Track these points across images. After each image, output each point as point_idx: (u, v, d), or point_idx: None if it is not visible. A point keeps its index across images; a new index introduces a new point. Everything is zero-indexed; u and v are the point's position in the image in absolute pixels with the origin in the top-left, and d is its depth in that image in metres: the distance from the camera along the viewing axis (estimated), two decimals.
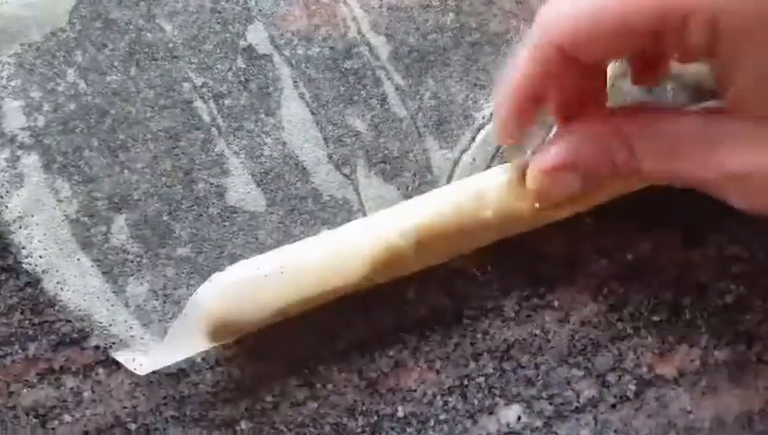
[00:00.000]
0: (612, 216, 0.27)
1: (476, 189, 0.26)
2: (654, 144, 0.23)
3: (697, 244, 0.28)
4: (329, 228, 0.28)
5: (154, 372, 0.26)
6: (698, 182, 0.22)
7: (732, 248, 0.28)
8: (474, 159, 0.28)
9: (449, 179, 0.28)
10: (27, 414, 0.27)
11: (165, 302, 0.27)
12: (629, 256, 0.27)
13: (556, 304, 0.27)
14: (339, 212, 0.28)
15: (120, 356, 0.27)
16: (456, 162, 0.28)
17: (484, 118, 0.29)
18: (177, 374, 0.27)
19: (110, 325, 0.27)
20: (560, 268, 0.27)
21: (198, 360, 0.27)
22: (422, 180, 0.28)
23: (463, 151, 0.28)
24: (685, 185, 0.23)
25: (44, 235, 0.28)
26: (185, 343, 0.26)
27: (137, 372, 0.26)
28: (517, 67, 0.23)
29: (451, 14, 0.29)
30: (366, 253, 0.25)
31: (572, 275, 0.27)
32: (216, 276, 0.26)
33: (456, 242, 0.26)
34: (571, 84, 0.24)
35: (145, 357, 0.26)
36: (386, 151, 0.29)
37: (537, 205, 0.25)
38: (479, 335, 0.27)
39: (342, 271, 0.25)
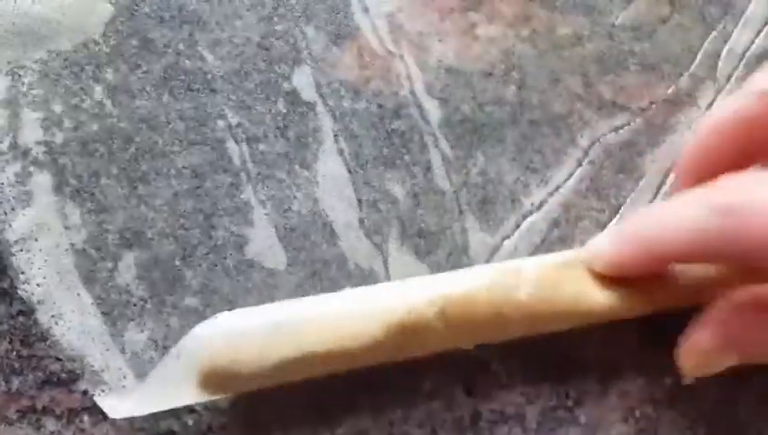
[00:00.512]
0: (659, 328, 0.25)
1: (515, 267, 0.24)
2: None
3: (743, 379, 0.26)
4: None
5: (141, 429, 0.25)
6: None
7: None
8: (515, 248, 0.26)
9: None
10: None
11: (164, 353, 0.25)
12: (668, 380, 0.25)
13: (583, 419, 0.25)
14: (363, 283, 0.26)
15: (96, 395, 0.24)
16: (495, 248, 0.26)
17: (533, 205, 0.27)
18: None
19: (103, 371, 0.25)
20: (592, 380, 0.25)
21: (190, 422, 0.25)
22: (456, 262, 0.26)
23: (504, 238, 0.26)
24: None
25: (46, 262, 0.26)
26: (170, 390, 0.24)
27: (109, 415, 0.24)
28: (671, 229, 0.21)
29: (513, 86, 0.27)
30: (384, 314, 0.23)
31: (604, 390, 0.25)
32: (213, 319, 0.24)
33: (486, 321, 0.24)
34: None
35: (122, 400, 0.24)
36: (422, 224, 0.26)
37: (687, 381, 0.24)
38: None
39: (354, 330, 0.23)
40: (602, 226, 0.26)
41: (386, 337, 0.23)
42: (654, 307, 0.24)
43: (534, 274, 0.24)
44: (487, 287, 0.23)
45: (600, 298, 0.23)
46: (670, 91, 0.27)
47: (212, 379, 0.23)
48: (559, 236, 0.26)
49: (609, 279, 0.23)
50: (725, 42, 0.28)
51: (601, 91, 0.27)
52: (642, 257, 0.22)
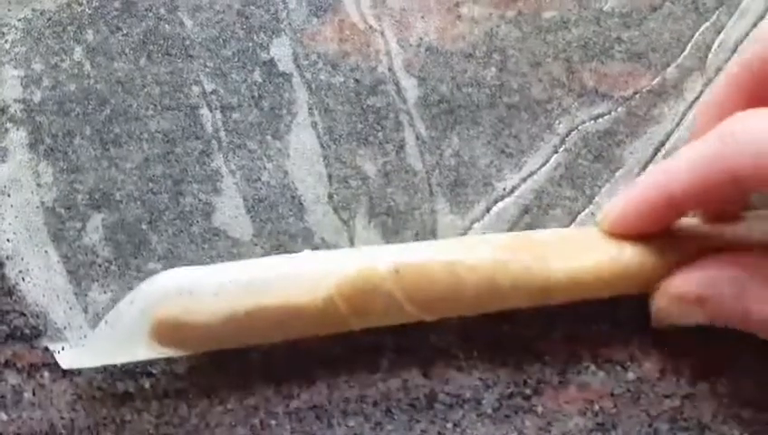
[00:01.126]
0: (626, 323, 0.25)
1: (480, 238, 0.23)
2: None
3: (708, 377, 0.25)
4: None
5: (99, 389, 0.25)
6: None
7: (746, 390, 0.25)
8: (484, 232, 0.26)
9: None
10: None
11: None
12: (631, 375, 0.25)
13: (539, 410, 0.25)
14: None
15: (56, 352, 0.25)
16: (464, 231, 0.26)
17: (504, 189, 0.26)
18: (121, 396, 0.25)
19: (65, 328, 0.25)
20: (551, 371, 0.25)
21: (147, 386, 0.25)
22: None
23: (474, 221, 0.26)
24: None
25: (16, 218, 0.26)
26: (123, 338, 0.23)
27: (61, 365, 0.24)
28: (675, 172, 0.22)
29: (493, 68, 0.27)
30: (336, 272, 0.23)
31: (564, 382, 0.25)
32: (169, 271, 0.24)
33: (442, 287, 0.23)
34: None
35: (77, 351, 0.24)
36: (391, 203, 0.26)
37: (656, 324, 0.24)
38: (449, 426, 0.25)
39: (305, 287, 0.23)
40: (574, 215, 0.26)
41: (338, 294, 0.23)
42: (617, 291, 0.24)
43: (497, 241, 0.23)
44: (447, 253, 0.23)
45: (558, 270, 0.23)
46: (655, 81, 0.26)
47: (164, 328, 0.23)
48: (529, 222, 0.26)
49: (571, 255, 0.23)
50: (718, 33, 0.27)
51: (584, 78, 0.26)
52: (654, 201, 0.22)
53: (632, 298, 0.24)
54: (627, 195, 0.23)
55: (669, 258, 0.23)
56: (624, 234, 0.23)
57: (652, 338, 0.25)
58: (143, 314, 0.23)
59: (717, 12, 0.27)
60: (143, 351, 0.23)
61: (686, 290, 0.22)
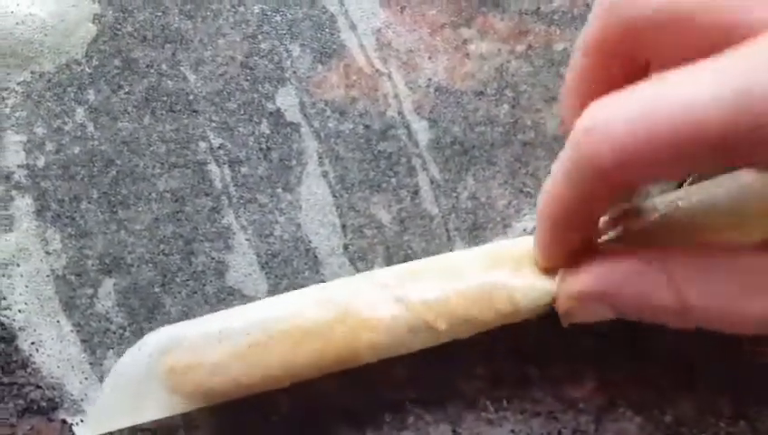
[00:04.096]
0: (653, 363, 0.24)
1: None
2: (707, 275, 0.19)
3: (747, 414, 0.24)
4: None
5: None
6: None
7: None
8: None
9: None
10: None
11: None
12: (668, 418, 0.24)
13: None
14: None
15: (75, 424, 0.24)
16: None
17: (525, 230, 0.25)
18: None
19: (82, 400, 0.25)
20: (587, 419, 0.24)
21: None
22: None
23: None
24: (755, 329, 0.19)
25: (26, 287, 0.25)
26: (134, 402, 0.23)
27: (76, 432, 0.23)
28: (551, 191, 0.20)
29: (506, 105, 0.26)
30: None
31: (601, 431, 0.24)
32: (157, 331, 0.23)
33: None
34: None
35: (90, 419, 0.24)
36: (408, 251, 0.25)
37: (564, 324, 0.22)
38: None
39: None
40: None
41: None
42: None
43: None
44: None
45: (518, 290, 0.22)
46: None
47: (176, 373, 0.23)
48: None
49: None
50: None
51: None
52: (553, 233, 0.21)
53: (657, 337, 0.23)
54: (536, 235, 0.22)
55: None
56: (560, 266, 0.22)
57: (684, 376, 0.24)
58: (151, 367, 0.22)
59: None
60: (158, 406, 0.23)
61: (581, 288, 0.21)
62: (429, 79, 0.26)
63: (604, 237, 0.23)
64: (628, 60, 0.20)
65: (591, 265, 0.21)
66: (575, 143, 0.18)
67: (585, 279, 0.21)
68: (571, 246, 0.21)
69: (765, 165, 0.17)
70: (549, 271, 0.22)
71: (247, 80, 0.26)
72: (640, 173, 0.18)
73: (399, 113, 0.26)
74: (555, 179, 0.20)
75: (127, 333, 0.25)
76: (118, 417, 0.23)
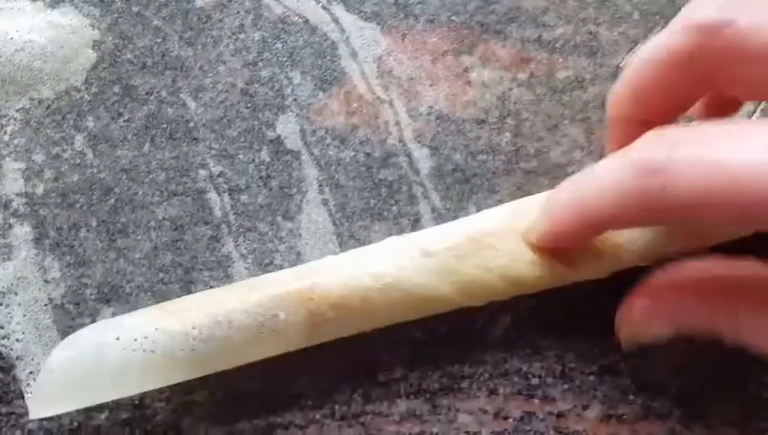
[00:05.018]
0: (659, 393, 0.24)
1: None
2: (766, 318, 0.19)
3: None
4: None
5: None
6: None
7: None
8: None
9: None
10: None
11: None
12: None
13: None
14: (346, 342, 0.25)
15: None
16: None
17: None
18: None
19: (79, 430, 0.25)
20: None
21: None
22: None
23: None
24: None
25: (24, 316, 0.25)
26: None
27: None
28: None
29: (507, 134, 0.26)
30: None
31: None
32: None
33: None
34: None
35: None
36: None
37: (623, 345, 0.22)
38: None
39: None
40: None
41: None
42: (587, 275, 0.23)
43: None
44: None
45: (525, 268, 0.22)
46: None
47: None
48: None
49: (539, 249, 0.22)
50: None
51: (604, 138, 0.25)
52: (574, 225, 0.20)
53: (664, 370, 0.23)
54: (551, 215, 0.21)
55: None
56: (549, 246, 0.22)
57: (694, 410, 0.24)
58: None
59: None
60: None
61: (646, 314, 0.21)
62: (431, 106, 0.26)
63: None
64: (703, 82, 0.20)
65: (648, 288, 0.21)
66: (641, 181, 0.18)
67: (646, 304, 0.21)
68: (580, 242, 0.21)
69: None
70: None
71: (247, 107, 0.26)
72: None
73: (400, 141, 0.26)
74: (605, 194, 0.19)
75: None
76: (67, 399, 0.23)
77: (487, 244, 0.22)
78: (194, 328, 0.22)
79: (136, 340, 0.22)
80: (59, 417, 0.25)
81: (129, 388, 0.22)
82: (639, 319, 0.21)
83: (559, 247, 0.22)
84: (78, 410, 0.25)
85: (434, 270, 0.22)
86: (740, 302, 0.20)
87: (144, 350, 0.22)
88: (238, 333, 0.22)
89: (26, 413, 0.25)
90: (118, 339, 0.22)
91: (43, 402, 0.22)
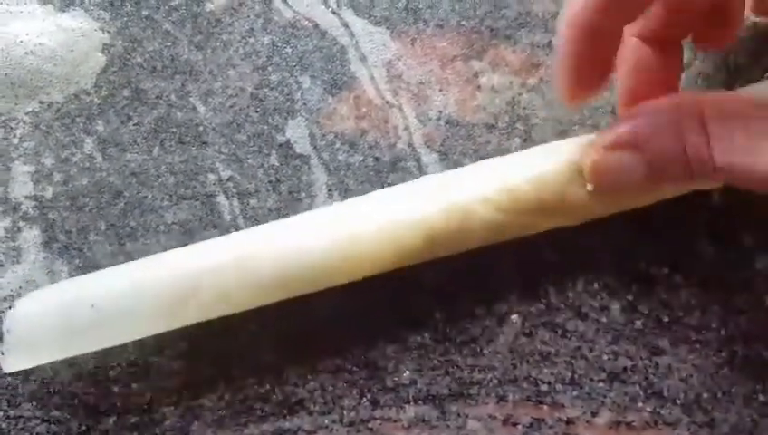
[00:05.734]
0: (667, 400, 0.24)
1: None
2: (736, 131, 0.19)
3: None
4: None
5: None
6: None
7: None
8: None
9: None
10: None
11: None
12: None
13: None
14: None
15: None
16: None
17: None
18: None
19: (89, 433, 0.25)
20: None
21: None
22: None
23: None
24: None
25: None
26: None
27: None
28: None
29: (517, 139, 0.26)
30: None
31: None
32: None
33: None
34: (643, 68, 0.22)
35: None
36: None
37: (589, 187, 0.22)
38: None
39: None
40: None
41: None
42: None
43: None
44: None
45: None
46: None
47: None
48: None
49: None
50: None
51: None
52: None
53: (675, 377, 0.23)
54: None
55: None
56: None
57: (703, 418, 0.24)
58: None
59: (750, 71, 0.25)
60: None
61: (613, 137, 0.21)
62: (440, 111, 0.26)
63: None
64: None
65: (624, 118, 0.21)
66: None
67: (618, 128, 0.21)
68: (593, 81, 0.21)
69: None
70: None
71: (257, 111, 0.26)
72: None
73: (410, 145, 0.26)
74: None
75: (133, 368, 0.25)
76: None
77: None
78: None
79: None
80: (67, 421, 0.25)
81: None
82: (611, 143, 0.21)
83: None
84: (86, 414, 0.25)
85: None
86: (708, 116, 0.20)
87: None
88: None
89: (34, 417, 0.25)
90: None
91: (11, 356, 0.23)
